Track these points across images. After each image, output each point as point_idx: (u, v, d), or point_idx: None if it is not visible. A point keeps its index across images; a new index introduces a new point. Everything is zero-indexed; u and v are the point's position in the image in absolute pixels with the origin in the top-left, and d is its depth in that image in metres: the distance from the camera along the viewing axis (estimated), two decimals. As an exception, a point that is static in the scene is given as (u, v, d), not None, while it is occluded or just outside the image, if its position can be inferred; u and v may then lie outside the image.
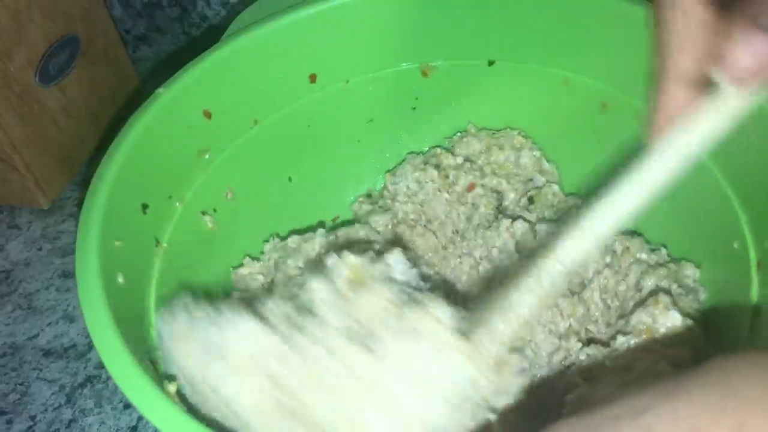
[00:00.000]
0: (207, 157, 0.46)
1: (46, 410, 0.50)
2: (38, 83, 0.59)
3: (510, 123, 0.52)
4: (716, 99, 0.27)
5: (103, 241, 0.36)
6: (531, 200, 0.50)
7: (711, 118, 0.27)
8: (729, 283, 0.40)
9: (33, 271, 0.59)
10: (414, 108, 0.53)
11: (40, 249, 0.61)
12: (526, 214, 0.48)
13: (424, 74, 0.51)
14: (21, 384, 0.52)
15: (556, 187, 0.50)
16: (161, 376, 0.35)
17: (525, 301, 0.31)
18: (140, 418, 0.49)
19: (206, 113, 0.46)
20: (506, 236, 0.46)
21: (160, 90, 0.44)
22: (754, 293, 0.35)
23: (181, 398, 0.33)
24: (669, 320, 0.38)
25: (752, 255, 0.37)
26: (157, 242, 0.42)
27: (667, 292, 0.40)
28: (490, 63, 0.50)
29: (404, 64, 0.51)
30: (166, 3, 0.77)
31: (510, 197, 0.50)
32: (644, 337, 0.38)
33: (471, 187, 0.50)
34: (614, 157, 0.48)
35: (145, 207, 0.42)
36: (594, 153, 0.49)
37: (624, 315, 0.41)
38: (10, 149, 0.58)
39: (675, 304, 0.39)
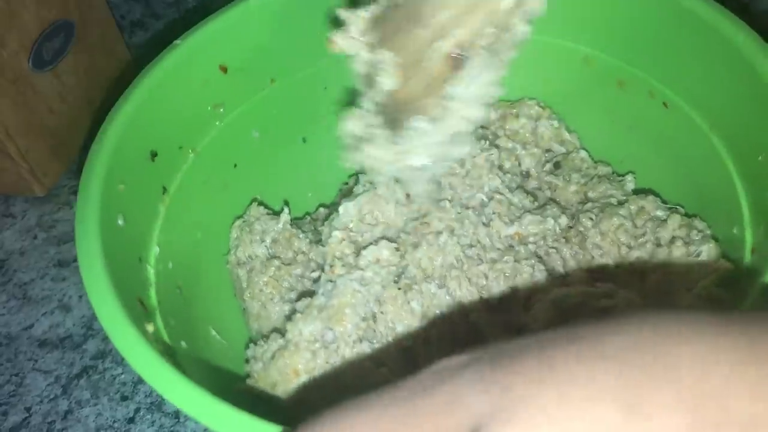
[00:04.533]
0: (221, 111, 0.47)
1: (41, 402, 0.50)
2: (32, 69, 0.58)
3: (526, 95, 0.51)
4: None
5: (106, 182, 0.38)
6: (557, 165, 0.49)
7: None
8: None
9: (28, 261, 0.59)
10: (433, 76, 0.53)
11: (35, 238, 0.61)
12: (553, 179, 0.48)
13: (444, 42, 0.51)
14: (16, 375, 0.52)
15: (584, 153, 0.50)
16: (147, 314, 0.36)
17: None
18: (137, 409, 0.49)
19: (222, 68, 0.47)
20: None
21: (178, 42, 0.45)
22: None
23: (157, 338, 0.35)
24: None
25: (748, 238, 0.36)
26: (165, 190, 0.44)
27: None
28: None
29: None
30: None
31: (526, 162, 0.49)
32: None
33: None
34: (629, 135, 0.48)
35: (154, 155, 0.43)
36: (607, 130, 0.48)
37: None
38: (4, 136, 0.57)
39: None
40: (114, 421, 0.48)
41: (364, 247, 0.43)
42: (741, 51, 0.37)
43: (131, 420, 0.48)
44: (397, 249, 0.43)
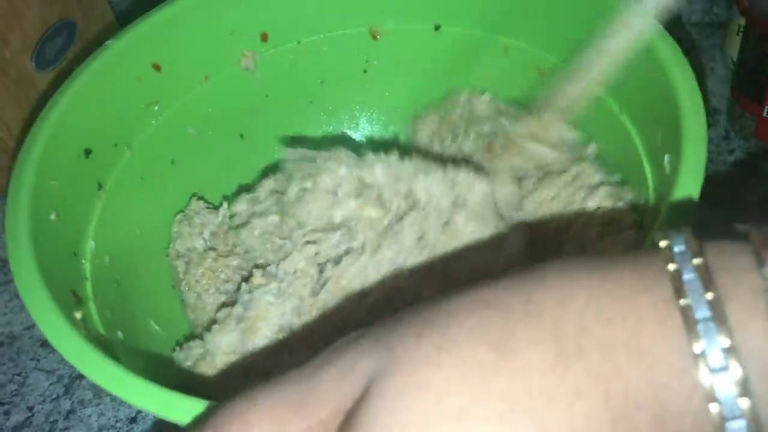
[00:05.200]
0: (156, 108, 0.48)
1: (44, 401, 0.50)
2: (35, 68, 0.59)
3: (454, 87, 0.53)
4: None
5: (38, 178, 0.39)
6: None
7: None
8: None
9: None
10: (365, 71, 0.54)
11: None
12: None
13: (374, 37, 0.53)
14: (18, 374, 0.52)
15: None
16: (78, 305, 0.37)
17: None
18: (140, 410, 0.49)
19: (155, 66, 0.48)
20: None
21: (110, 41, 0.46)
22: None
23: (86, 326, 0.36)
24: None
25: (650, 184, 0.38)
26: (100, 186, 0.45)
27: None
28: (437, 28, 0.51)
29: (354, 26, 0.52)
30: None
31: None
32: None
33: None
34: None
35: (88, 152, 0.44)
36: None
37: None
38: (6, 135, 0.58)
39: None
40: (116, 421, 0.49)
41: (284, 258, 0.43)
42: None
43: (133, 420, 0.49)
44: (318, 264, 0.42)
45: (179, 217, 0.51)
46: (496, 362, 0.21)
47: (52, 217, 0.39)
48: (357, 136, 0.57)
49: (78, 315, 0.35)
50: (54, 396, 0.50)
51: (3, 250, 0.60)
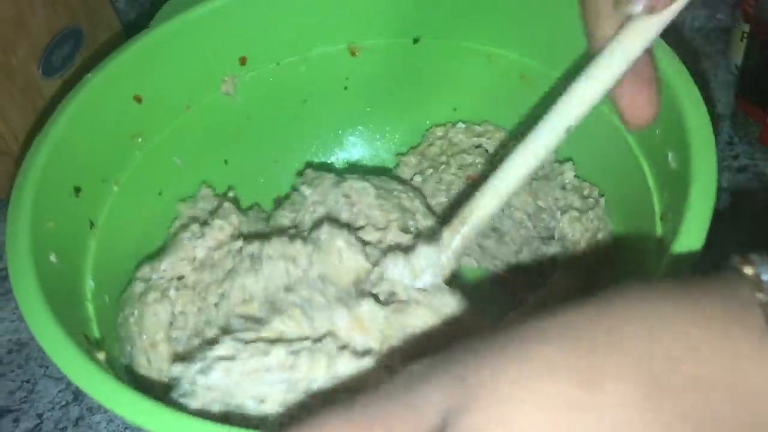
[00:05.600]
0: (140, 140, 0.47)
1: (53, 408, 0.49)
2: (41, 76, 0.58)
3: (437, 99, 0.54)
4: (635, 25, 0.31)
5: (34, 221, 0.37)
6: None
7: (633, 39, 0.31)
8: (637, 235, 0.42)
9: None
10: (346, 87, 0.54)
11: None
12: None
13: (353, 54, 0.53)
14: (27, 381, 0.51)
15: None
16: (93, 345, 0.36)
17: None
18: None
19: (137, 98, 0.47)
20: None
21: (89, 75, 0.45)
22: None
23: (111, 363, 0.35)
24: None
25: (657, 207, 0.39)
26: (92, 224, 0.43)
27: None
28: (415, 41, 0.52)
29: (332, 44, 0.52)
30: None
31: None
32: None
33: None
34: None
35: (77, 190, 0.42)
36: (516, 123, 0.51)
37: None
38: (13, 142, 0.57)
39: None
40: (125, 428, 0.48)
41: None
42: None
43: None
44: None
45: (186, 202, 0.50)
46: (581, 399, 0.19)
47: (53, 258, 0.38)
48: (341, 155, 0.56)
49: (101, 356, 0.34)
50: (63, 403, 0.50)
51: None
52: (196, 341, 0.42)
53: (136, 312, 0.42)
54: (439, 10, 0.50)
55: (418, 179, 0.52)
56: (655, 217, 0.38)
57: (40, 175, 0.39)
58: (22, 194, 0.38)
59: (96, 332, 0.39)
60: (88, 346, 0.36)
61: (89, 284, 0.41)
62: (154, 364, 0.42)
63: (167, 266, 0.44)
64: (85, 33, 0.62)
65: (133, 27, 0.76)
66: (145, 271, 0.45)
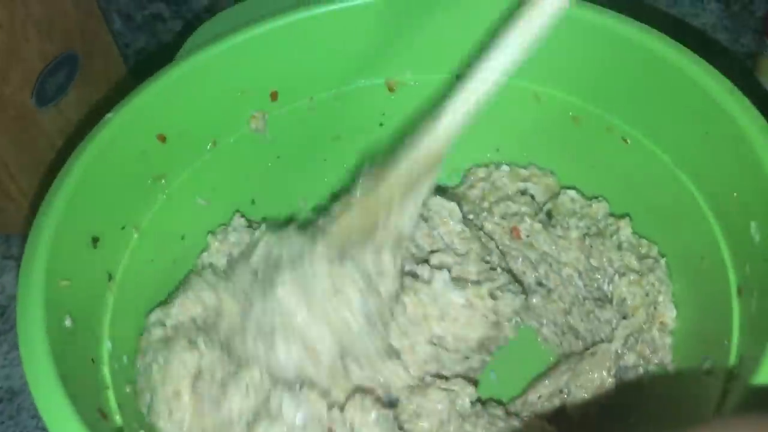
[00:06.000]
0: (163, 182, 0.44)
1: None
2: (35, 105, 0.55)
3: (479, 138, 0.50)
4: None
5: (48, 282, 0.34)
6: (549, 215, 0.46)
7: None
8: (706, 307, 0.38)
9: None
10: (381, 124, 0.51)
11: None
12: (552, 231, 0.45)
13: (391, 89, 0.49)
14: None
15: (573, 193, 0.47)
16: (107, 420, 0.33)
17: None
18: None
19: (161, 137, 0.44)
20: None
21: (110, 115, 0.42)
22: (736, 325, 0.33)
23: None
24: None
25: (732, 279, 0.35)
26: (110, 277, 0.40)
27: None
28: (458, 77, 0.48)
29: (369, 78, 0.49)
30: (168, 16, 0.73)
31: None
32: None
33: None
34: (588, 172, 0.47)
35: (95, 240, 0.39)
36: (566, 168, 0.48)
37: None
38: (5, 176, 0.54)
39: None
40: None
41: None
42: (702, 88, 0.37)
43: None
44: None
45: (219, 230, 0.47)
46: None
47: (68, 323, 0.35)
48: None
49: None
50: None
51: (2, 295, 0.56)
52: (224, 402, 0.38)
53: (161, 358, 0.39)
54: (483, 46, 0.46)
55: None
56: (731, 290, 0.35)
57: (55, 228, 0.36)
58: (36, 251, 0.35)
59: (112, 402, 0.35)
60: (104, 424, 0.33)
61: (106, 346, 0.38)
62: (175, 415, 0.38)
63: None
64: (80, 58, 0.59)
65: (131, 50, 0.74)
66: (160, 315, 0.42)
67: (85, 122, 0.59)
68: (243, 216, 0.48)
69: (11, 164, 0.54)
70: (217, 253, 0.46)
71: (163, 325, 0.41)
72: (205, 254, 0.46)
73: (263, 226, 0.46)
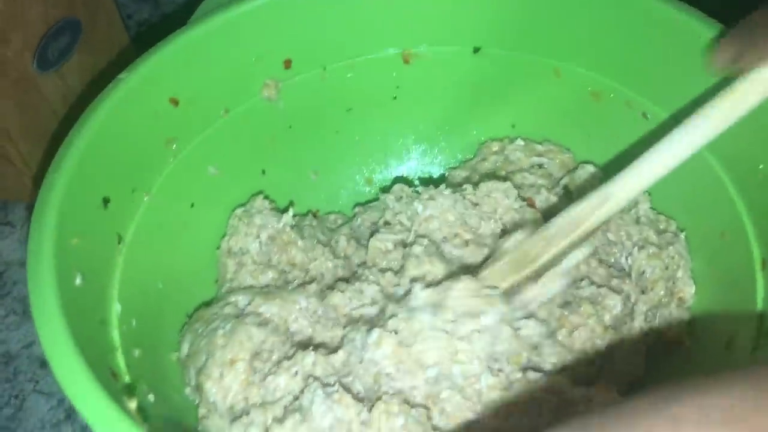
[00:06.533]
0: (174, 147, 0.43)
1: (43, 427, 0.46)
2: (36, 69, 0.53)
3: (495, 113, 0.49)
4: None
5: (59, 238, 0.33)
6: (567, 188, 0.46)
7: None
8: (726, 282, 0.38)
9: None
10: (395, 97, 0.50)
11: None
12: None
13: (406, 61, 0.49)
14: (16, 397, 0.48)
15: (590, 167, 0.46)
16: (123, 388, 0.32)
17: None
18: None
19: (173, 101, 0.43)
20: None
21: (123, 75, 0.41)
22: (760, 298, 0.33)
23: (143, 414, 0.31)
24: None
25: (756, 254, 0.35)
26: (120, 239, 0.39)
27: None
28: (476, 50, 0.47)
29: (385, 49, 0.48)
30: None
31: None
32: None
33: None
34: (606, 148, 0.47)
35: (106, 201, 0.38)
36: (583, 144, 0.47)
37: None
38: (6, 140, 0.53)
39: None
40: None
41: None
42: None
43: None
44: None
45: (239, 211, 0.46)
46: None
47: (78, 281, 0.34)
48: (385, 169, 0.52)
49: (133, 405, 0.30)
50: (54, 421, 0.46)
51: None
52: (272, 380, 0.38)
53: (228, 327, 0.39)
54: (503, 19, 0.46)
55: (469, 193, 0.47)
56: (754, 264, 0.34)
57: (66, 186, 0.35)
58: (47, 208, 0.34)
59: (121, 363, 0.34)
60: (114, 383, 0.32)
61: (116, 308, 0.37)
62: (226, 379, 0.37)
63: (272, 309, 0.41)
64: (83, 24, 0.57)
65: (133, 21, 0.73)
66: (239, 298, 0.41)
67: (87, 90, 0.59)
68: (266, 198, 0.48)
69: (12, 129, 0.53)
70: (246, 237, 0.45)
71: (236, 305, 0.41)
72: (233, 239, 0.46)
73: (291, 211, 0.46)
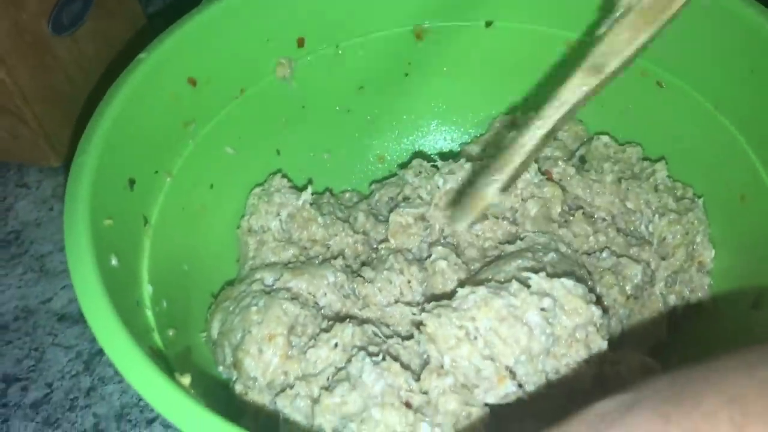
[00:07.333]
0: (193, 128, 0.43)
1: (63, 377, 0.47)
2: (51, 33, 0.55)
3: (507, 87, 0.50)
4: None
5: (93, 219, 0.33)
6: (583, 159, 0.46)
7: None
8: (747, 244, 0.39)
9: (44, 232, 0.56)
10: (407, 74, 0.50)
11: (51, 209, 0.57)
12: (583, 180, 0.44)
13: (418, 37, 0.49)
14: (35, 350, 0.49)
15: (606, 138, 0.47)
16: (170, 364, 0.32)
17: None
18: None
19: (191, 81, 0.42)
20: None
21: (142, 55, 0.40)
22: None
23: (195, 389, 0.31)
24: None
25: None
26: (146, 221, 0.39)
27: None
28: (488, 24, 0.48)
29: (396, 26, 0.48)
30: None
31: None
32: None
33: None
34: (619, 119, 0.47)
35: (132, 182, 0.38)
36: (597, 116, 0.48)
37: None
38: (21, 101, 0.54)
39: None
40: (140, 399, 0.46)
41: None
42: (747, 21, 0.37)
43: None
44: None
45: (257, 190, 0.47)
46: None
47: (114, 262, 0.34)
48: (398, 146, 0.53)
49: (185, 380, 0.30)
50: (73, 373, 0.48)
51: (13, 221, 0.57)
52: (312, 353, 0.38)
53: (262, 303, 0.39)
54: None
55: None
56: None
57: (96, 166, 0.35)
58: (80, 189, 0.34)
59: (159, 343, 0.35)
60: (157, 360, 0.32)
61: (147, 289, 0.37)
62: (265, 355, 0.37)
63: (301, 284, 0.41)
64: None
65: None
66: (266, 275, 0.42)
67: (99, 55, 0.60)
68: (284, 176, 0.48)
69: (27, 90, 0.54)
70: (266, 215, 0.45)
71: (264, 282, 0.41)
72: (252, 217, 0.46)
73: (309, 188, 0.46)
